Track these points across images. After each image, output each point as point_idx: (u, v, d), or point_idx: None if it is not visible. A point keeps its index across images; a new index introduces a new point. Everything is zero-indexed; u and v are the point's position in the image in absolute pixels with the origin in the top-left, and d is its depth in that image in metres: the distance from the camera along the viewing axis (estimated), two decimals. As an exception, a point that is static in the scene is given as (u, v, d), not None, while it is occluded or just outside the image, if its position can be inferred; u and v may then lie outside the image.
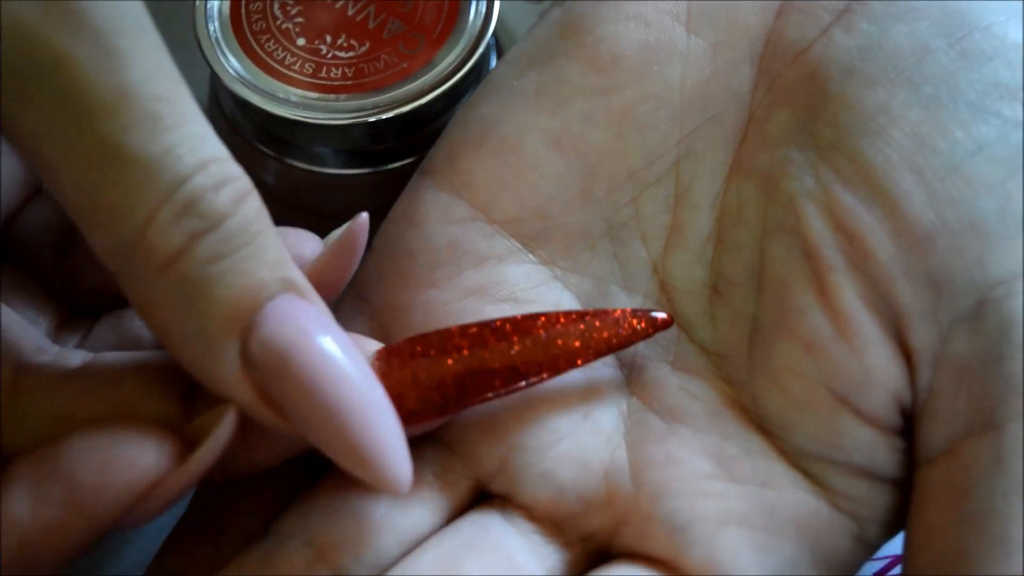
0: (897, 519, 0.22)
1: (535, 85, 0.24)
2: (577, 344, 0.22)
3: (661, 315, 0.22)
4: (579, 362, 0.22)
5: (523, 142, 0.24)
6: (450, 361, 0.21)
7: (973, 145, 0.21)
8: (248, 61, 0.28)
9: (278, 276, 0.20)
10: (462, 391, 0.21)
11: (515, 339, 0.22)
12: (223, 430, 0.20)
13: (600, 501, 0.22)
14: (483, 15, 0.28)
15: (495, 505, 0.22)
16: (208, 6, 0.29)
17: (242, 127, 0.29)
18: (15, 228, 0.25)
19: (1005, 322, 0.20)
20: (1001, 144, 0.21)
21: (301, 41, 0.28)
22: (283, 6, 0.29)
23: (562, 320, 0.22)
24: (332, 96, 0.27)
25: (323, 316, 0.20)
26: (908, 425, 0.21)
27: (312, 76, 0.28)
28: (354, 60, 0.28)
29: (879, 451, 0.21)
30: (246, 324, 0.19)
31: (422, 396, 0.21)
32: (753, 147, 0.24)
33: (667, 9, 0.24)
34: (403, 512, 0.22)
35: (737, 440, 0.22)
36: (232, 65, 0.28)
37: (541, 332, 0.22)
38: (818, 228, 0.22)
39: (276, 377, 0.19)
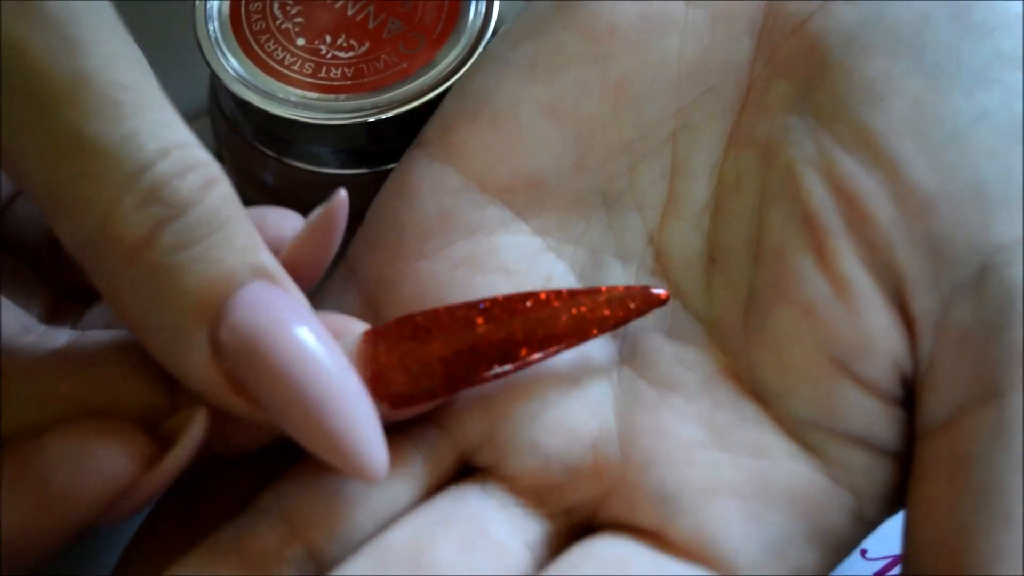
0: (896, 495, 0.21)
1: (530, 56, 0.24)
2: (568, 324, 0.21)
3: (659, 291, 0.22)
4: (570, 343, 0.22)
5: (517, 112, 0.24)
6: (437, 344, 0.21)
7: (976, 112, 0.21)
8: (248, 61, 0.28)
9: (248, 263, 0.19)
10: (450, 374, 0.21)
11: (504, 320, 0.21)
12: (194, 433, 0.20)
13: (587, 471, 0.21)
14: (483, 15, 0.28)
15: (476, 479, 0.22)
16: (208, 6, 0.29)
17: (242, 127, 0.29)
18: (9, 216, 0.25)
19: (1007, 289, 0.20)
20: (1004, 112, 0.21)
21: (301, 41, 0.28)
22: (283, 6, 0.29)
23: (553, 301, 0.21)
24: (332, 96, 0.27)
25: (296, 303, 0.20)
26: (909, 397, 0.21)
27: (312, 76, 0.28)
28: (354, 60, 0.28)
29: (879, 421, 0.21)
30: (215, 312, 0.19)
31: (409, 379, 0.21)
32: (752, 117, 0.23)
33: None
34: (381, 488, 0.21)
35: (731, 409, 0.21)
36: (232, 65, 0.28)
37: (532, 312, 0.21)
38: (817, 193, 0.21)
39: (247, 365, 0.19)
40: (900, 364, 0.21)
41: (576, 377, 0.22)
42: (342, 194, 0.22)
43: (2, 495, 0.19)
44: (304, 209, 0.23)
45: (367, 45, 0.28)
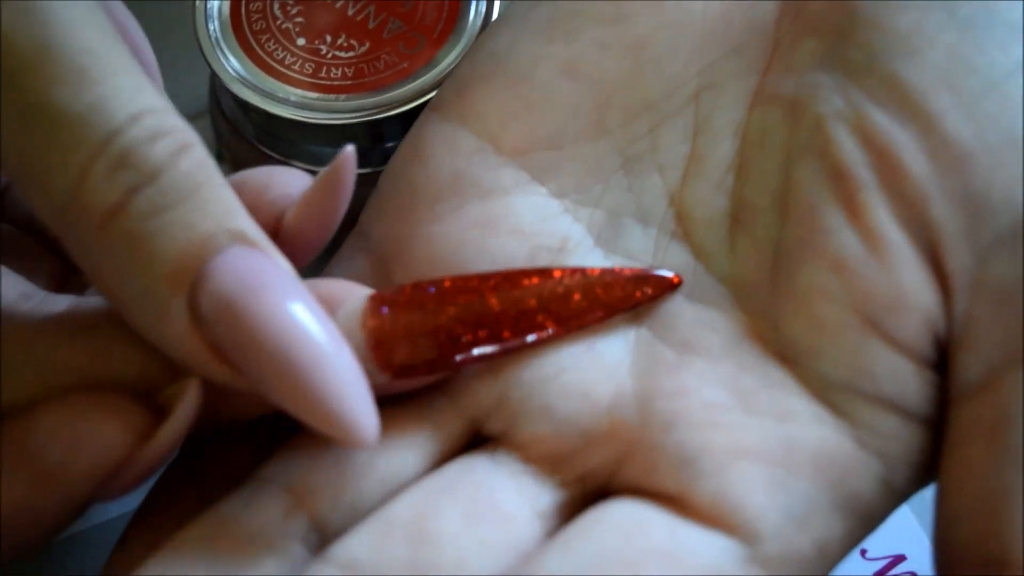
0: (927, 464, 0.20)
1: (548, 15, 0.24)
2: (580, 305, 0.21)
3: (667, 274, 0.22)
4: (581, 323, 0.21)
5: (535, 71, 0.23)
6: (445, 315, 0.21)
7: (1011, 64, 0.20)
8: (248, 61, 0.28)
9: (225, 227, 0.19)
10: (455, 347, 0.21)
11: (515, 295, 0.21)
12: (188, 404, 0.19)
13: (603, 434, 0.20)
14: (483, 15, 0.28)
15: (486, 449, 0.21)
16: (208, 6, 0.29)
17: (242, 127, 0.29)
18: (14, 189, 0.25)
19: None
20: None
21: (301, 41, 0.28)
22: (283, 6, 0.29)
23: (558, 274, 0.21)
24: (332, 96, 0.27)
25: (277, 267, 0.19)
26: (941, 360, 0.20)
27: (312, 76, 0.28)
28: (354, 60, 0.28)
29: (910, 383, 0.20)
30: (192, 278, 0.18)
31: (414, 350, 0.20)
32: (778, 75, 0.23)
33: None
34: (388, 457, 0.21)
35: (755, 371, 0.21)
36: (232, 65, 0.28)
37: (544, 289, 0.21)
38: (848, 148, 0.21)
39: (227, 331, 0.18)
40: (933, 323, 0.20)
41: (590, 338, 0.22)
42: (349, 149, 0.21)
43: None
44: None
45: (367, 45, 0.28)
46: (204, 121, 0.31)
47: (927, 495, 0.20)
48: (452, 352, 0.21)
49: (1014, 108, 0.20)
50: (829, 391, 0.20)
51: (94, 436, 0.19)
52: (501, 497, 0.20)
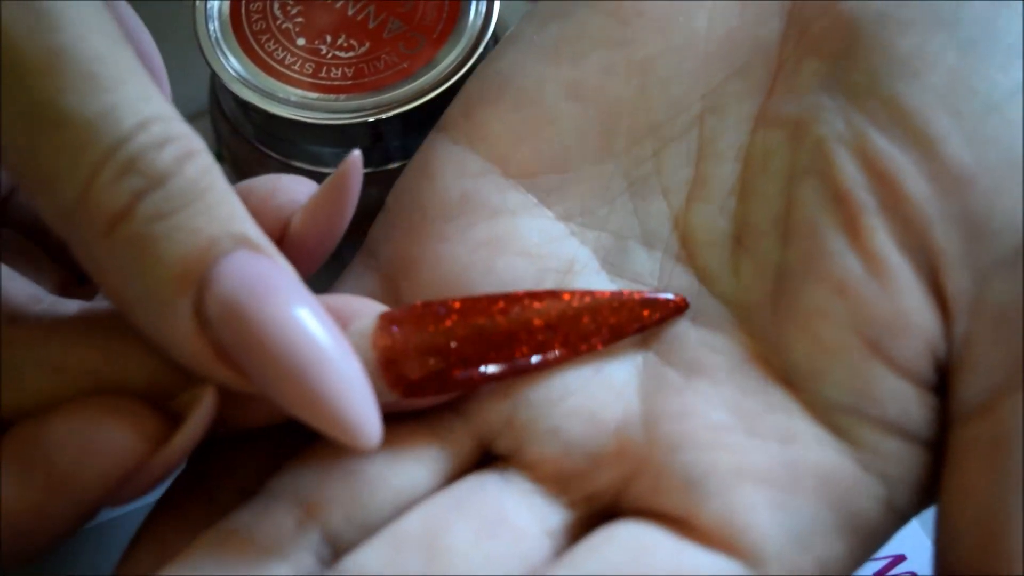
0: (928, 486, 0.21)
1: (555, 38, 0.24)
2: (589, 327, 0.21)
3: (674, 297, 0.22)
4: (589, 346, 0.21)
5: (542, 94, 0.24)
6: (455, 335, 0.21)
7: (1012, 86, 0.21)
8: (248, 61, 0.28)
9: (230, 232, 0.19)
10: (465, 366, 0.21)
11: (523, 317, 0.21)
12: (204, 410, 0.20)
13: (610, 455, 0.21)
14: (483, 15, 0.28)
15: (496, 467, 0.21)
16: (208, 6, 0.29)
17: (242, 127, 0.29)
18: (18, 195, 0.25)
19: None
20: None
21: (301, 41, 0.28)
22: (283, 6, 0.29)
23: (574, 302, 0.21)
24: (332, 96, 0.27)
25: (281, 271, 0.19)
26: (941, 383, 0.21)
27: (312, 76, 0.28)
28: (354, 60, 0.28)
29: (912, 405, 0.20)
30: (197, 282, 0.19)
31: (423, 368, 0.21)
32: (781, 97, 0.23)
33: None
34: (399, 472, 0.21)
35: (759, 394, 0.21)
36: (232, 65, 0.28)
37: (552, 311, 0.21)
38: (849, 171, 0.21)
39: (232, 334, 0.19)
40: (934, 346, 0.20)
41: (598, 361, 0.22)
42: (355, 155, 0.21)
43: (8, 476, 0.19)
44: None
45: (367, 45, 0.28)
46: (204, 121, 0.31)
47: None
48: (461, 372, 0.21)
49: (1015, 130, 0.20)
50: (831, 413, 0.20)
51: (107, 441, 0.19)
52: (512, 514, 0.20)
